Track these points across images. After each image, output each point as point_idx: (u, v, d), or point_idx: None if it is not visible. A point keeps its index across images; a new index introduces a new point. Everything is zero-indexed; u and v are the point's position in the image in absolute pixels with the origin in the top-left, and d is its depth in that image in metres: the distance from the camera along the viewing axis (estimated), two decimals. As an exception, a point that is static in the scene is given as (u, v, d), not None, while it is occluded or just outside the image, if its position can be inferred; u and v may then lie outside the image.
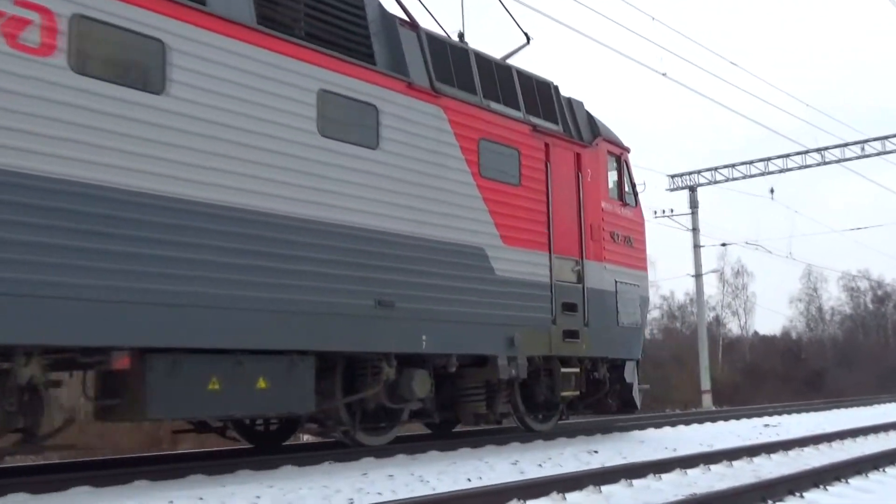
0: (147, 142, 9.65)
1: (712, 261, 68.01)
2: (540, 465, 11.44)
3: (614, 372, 16.77)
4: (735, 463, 11.34)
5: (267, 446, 13.88)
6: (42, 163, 8.74)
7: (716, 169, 44.00)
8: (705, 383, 42.72)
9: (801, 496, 8.81)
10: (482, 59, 14.59)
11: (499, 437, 15.26)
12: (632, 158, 17.67)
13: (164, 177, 9.77)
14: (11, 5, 8.66)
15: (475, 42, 14.94)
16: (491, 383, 14.21)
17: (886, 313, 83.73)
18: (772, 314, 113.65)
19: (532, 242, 14.70)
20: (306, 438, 16.24)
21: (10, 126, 8.53)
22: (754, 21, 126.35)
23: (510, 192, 14.40)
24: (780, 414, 26.17)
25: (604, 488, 8.88)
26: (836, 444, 14.37)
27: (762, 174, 42.54)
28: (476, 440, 14.68)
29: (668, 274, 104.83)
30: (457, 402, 14.30)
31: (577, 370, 15.58)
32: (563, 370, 15.24)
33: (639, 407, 17.63)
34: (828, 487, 9.43)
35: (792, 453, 12.80)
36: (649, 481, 9.65)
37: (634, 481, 9.50)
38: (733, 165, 43.35)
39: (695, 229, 44.54)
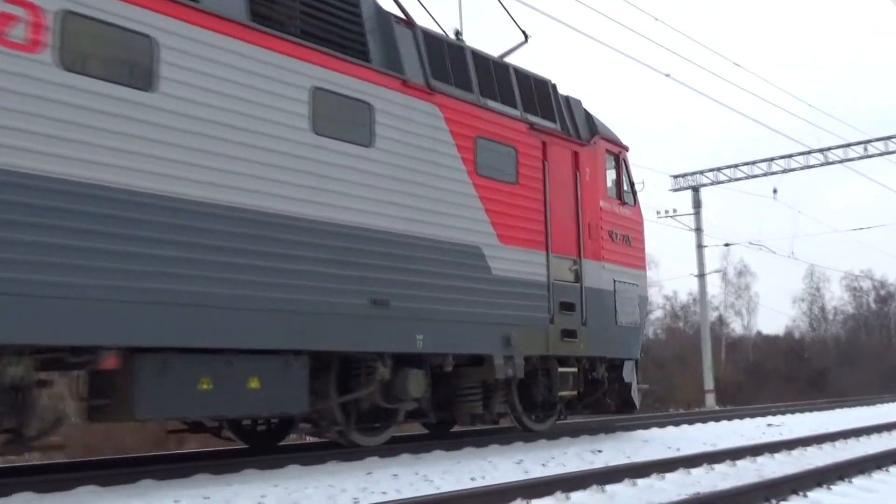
0: (136, 139, 9.47)
1: (715, 261, 68.11)
2: (544, 465, 11.35)
3: (613, 372, 16.56)
4: (738, 462, 11.23)
5: (262, 446, 13.69)
6: (27, 160, 8.55)
7: (719, 169, 43.94)
8: (708, 383, 42.75)
9: (805, 496, 8.72)
10: (479, 57, 14.39)
11: (502, 436, 15.10)
12: (636, 158, 17.54)
13: (153, 174, 9.58)
14: None
15: (474, 40, 14.79)
16: (487, 383, 14.00)
17: (889, 313, 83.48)
18: (775, 314, 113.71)
19: (529, 241, 14.48)
20: (309, 438, 15.99)
21: None
22: (756, 21, 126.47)
23: (507, 191, 14.19)
24: (783, 413, 26.05)
25: (607, 487, 8.82)
26: (839, 444, 14.25)
27: (765, 174, 42.46)
28: (480, 440, 14.52)
29: (671, 274, 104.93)
30: (453, 401, 14.09)
31: (575, 370, 15.37)
32: (561, 370, 15.02)
33: (637, 407, 17.43)
34: (831, 487, 9.36)
35: (795, 453, 12.69)
36: (653, 481, 9.59)
37: (638, 481, 9.44)
38: (736, 166, 43.28)
39: (698, 229, 44.53)
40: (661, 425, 19.84)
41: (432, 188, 12.87)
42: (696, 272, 44.98)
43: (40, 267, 8.53)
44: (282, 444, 14.15)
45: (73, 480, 9.57)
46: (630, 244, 17.17)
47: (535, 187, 14.72)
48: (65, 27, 8.99)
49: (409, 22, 13.35)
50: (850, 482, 9.80)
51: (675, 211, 44.29)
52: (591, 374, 16.05)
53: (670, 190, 45.11)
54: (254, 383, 10.48)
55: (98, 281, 8.96)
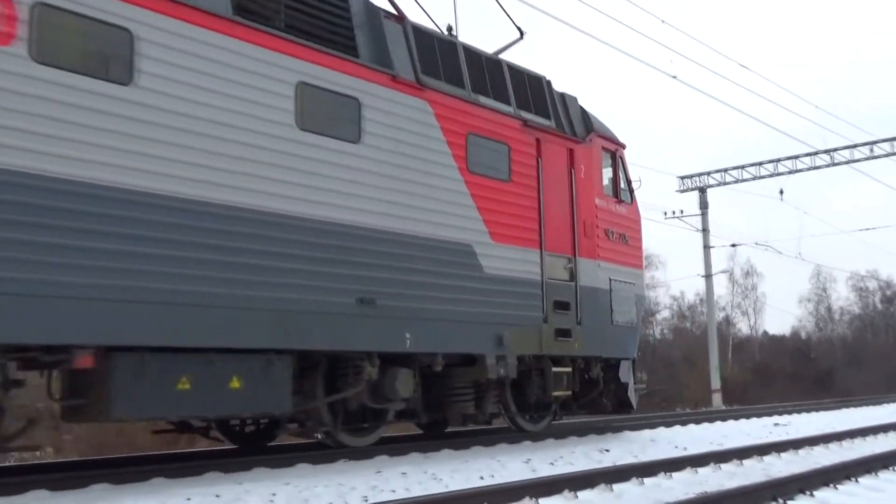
0: (112, 134, 9.12)
1: (722, 261, 67.68)
2: (552, 464, 11.26)
3: (609, 371, 16.10)
4: (745, 462, 11.18)
5: (251, 447, 13.30)
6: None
7: (725, 170, 43.65)
8: (715, 382, 42.43)
9: (812, 495, 8.68)
10: (471, 53, 13.99)
11: (511, 435, 14.83)
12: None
13: (130, 170, 9.23)
14: None
15: (471, 38, 14.41)
16: (479, 383, 13.61)
17: (895, 313, 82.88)
18: (781, 314, 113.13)
19: (522, 239, 14.07)
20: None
21: None
22: (756, 22, 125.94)
23: (499, 188, 13.77)
24: (789, 413, 25.88)
25: (615, 486, 8.81)
26: (846, 443, 14.13)
27: (771, 175, 42.13)
28: (488, 439, 14.29)
29: (678, 274, 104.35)
30: (444, 402, 13.68)
31: (570, 370, 14.93)
32: (555, 369, 14.57)
33: (634, 407, 16.94)
34: (838, 486, 9.30)
35: (802, 452, 12.59)
36: (660, 480, 9.54)
37: (646, 480, 9.38)
38: (743, 167, 42.96)
39: (705, 230, 44.26)
40: (668, 425, 19.67)
41: (422, 185, 12.48)
42: (702, 273, 44.76)
43: (9, 264, 8.18)
44: (271, 444, 13.77)
45: (87, 478, 9.53)
46: (627, 242, 16.73)
47: (528, 185, 14.32)
48: (38, 19, 8.66)
49: (399, 17, 12.98)
50: (856, 481, 9.71)
51: (681, 212, 44.07)
52: (587, 374, 15.63)
53: (677, 191, 44.88)
54: (235, 383, 10.12)
55: (71, 278, 8.61)
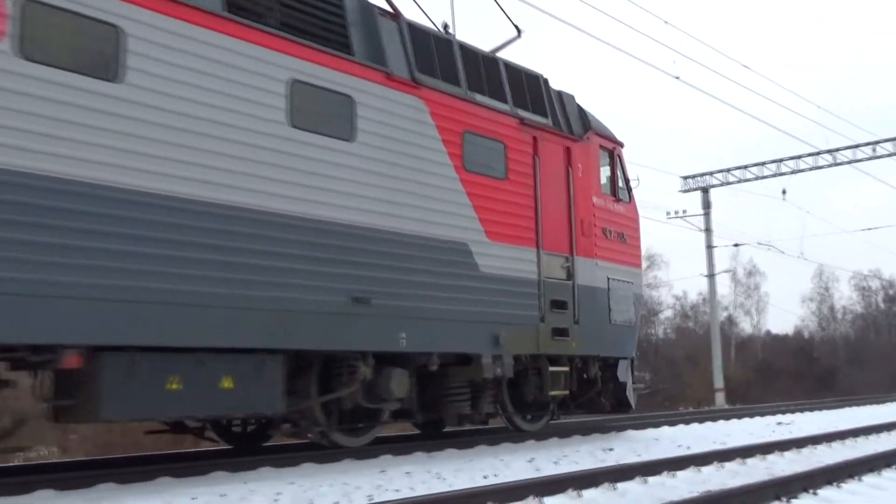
0: (100, 130, 8.94)
1: (725, 261, 67.69)
2: (556, 463, 11.23)
3: (607, 371, 15.88)
4: (748, 460, 11.13)
5: (246, 447, 13.12)
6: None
7: (728, 170, 43.56)
8: (718, 382, 42.40)
9: (815, 493, 8.65)
10: (467, 51, 13.79)
11: (515, 434, 14.72)
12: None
13: (118, 167, 9.06)
14: None
15: (471, 37, 14.23)
16: (475, 383, 13.40)
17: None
18: (784, 313, 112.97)
19: (519, 238, 13.85)
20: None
21: None
22: (759, 22, 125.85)
23: (496, 187, 13.56)
24: (792, 412, 25.83)
25: (619, 485, 8.79)
26: (848, 442, 14.07)
27: (774, 175, 42.01)
28: (492, 438, 14.20)
29: (681, 274, 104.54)
30: (440, 401, 13.47)
31: (567, 369, 14.70)
32: (552, 369, 14.36)
33: (633, 407, 16.71)
34: (841, 485, 9.25)
35: (805, 451, 12.52)
36: (664, 478, 9.53)
37: (649, 478, 9.35)
38: (745, 167, 42.86)
39: (707, 230, 44.18)
40: (672, 424, 19.59)
41: (417, 183, 12.28)
42: (705, 272, 44.60)
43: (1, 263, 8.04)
44: (267, 444, 13.60)
45: (93, 478, 9.54)
46: (625, 241, 16.51)
47: (525, 183, 14.11)
48: (25, 15, 8.50)
49: (394, 14, 12.79)
50: (860, 480, 9.66)
51: (684, 212, 43.98)
52: (585, 374, 15.43)
53: (680, 191, 44.80)
54: (226, 383, 9.94)
55: (56, 277, 8.44)
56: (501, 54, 14.98)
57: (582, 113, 16.07)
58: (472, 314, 12.81)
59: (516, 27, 15.74)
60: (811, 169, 41.18)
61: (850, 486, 9.27)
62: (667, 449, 13.09)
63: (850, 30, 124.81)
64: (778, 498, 8.16)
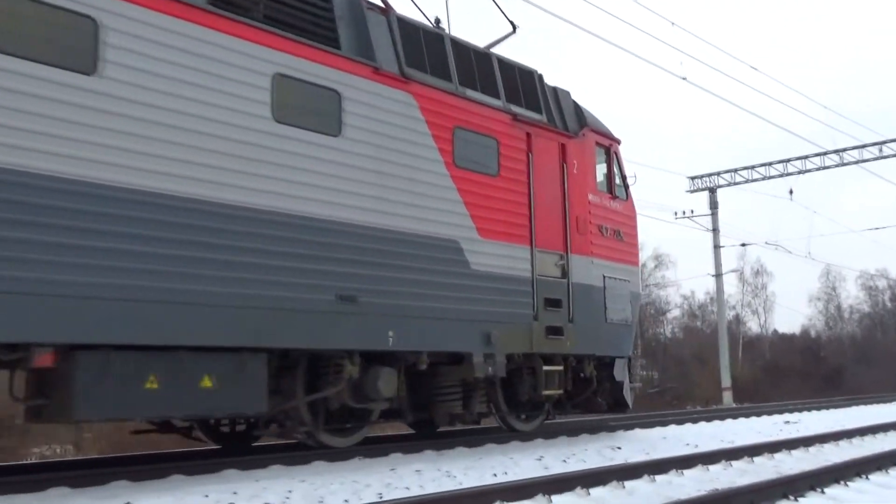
0: (74, 125, 8.66)
1: (732, 261, 67.56)
2: (564, 461, 11.18)
3: (603, 370, 15.53)
4: (756, 459, 11.12)
5: (235, 447, 12.83)
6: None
7: (735, 170, 43.31)
8: (726, 381, 42.14)
9: (822, 492, 8.60)
10: (459, 46, 13.46)
11: (524, 433, 14.51)
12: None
13: (94, 162, 8.78)
14: None
15: (470, 33, 13.96)
16: (467, 382, 13.08)
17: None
18: (791, 313, 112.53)
19: (512, 235, 13.52)
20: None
21: None
22: (761, 22, 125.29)
23: (488, 183, 13.23)
24: (799, 411, 25.80)
25: (627, 484, 8.78)
26: (856, 441, 14.02)
27: (781, 175, 41.78)
28: (501, 437, 14.03)
29: (688, 274, 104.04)
30: (431, 401, 13.16)
31: (561, 368, 14.34)
32: (546, 368, 13.99)
33: (630, 406, 16.37)
34: (848, 483, 9.21)
35: (812, 449, 12.50)
36: (671, 477, 9.50)
37: (657, 477, 9.31)
38: (753, 167, 42.62)
39: (715, 230, 43.96)
40: (680, 422, 19.48)
41: (405, 179, 11.97)
42: (713, 272, 44.41)
43: None
44: (256, 444, 13.34)
45: (107, 476, 9.45)
46: (621, 239, 16.14)
47: (518, 180, 13.78)
48: None
49: (384, 9, 12.50)
50: (867, 479, 9.61)
51: (692, 212, 43.79)
52: (581, 373, 15.09)
53: (687, 191, 44.53)
54: (206, 382, 9.62)
55: (27, 274, 8.16)
56: (497, 50, 14.69)
57: (578, 109, 15.73)
58: (462, 312, 12.50)
59: (511, 23, 15.44)
60: (818, 169, 40.94)
61: (858, 484, 9.21)
62: (674, 447, 12.99)
63: (848, 29, 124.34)
64: (786, 496, 8.11)
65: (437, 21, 13.79)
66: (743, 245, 50.87)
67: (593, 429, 16.73)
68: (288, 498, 8.16)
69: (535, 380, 13.97)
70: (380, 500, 7.94)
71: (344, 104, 11.31)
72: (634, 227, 16.79)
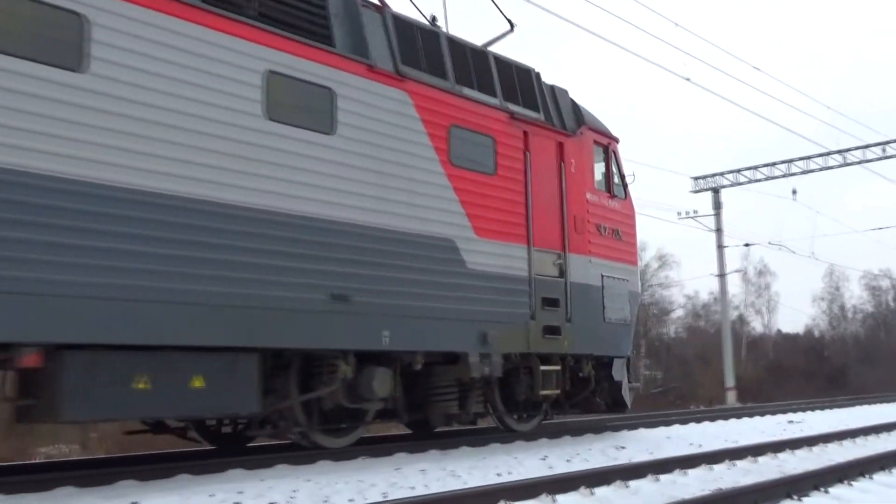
0: (60, 122, 8.49)
1: (736, 261, 67.02)
2: (568, 461, 11.18)
3: (602, 370, 15.32)
4: (760, 459, 11.13)
5: (230, 448, 12.66)
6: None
7: (739, 171, 43.15)
8: (729, 380, 42.08)
9: (826, 491, 8.60)
10: (455, 44, 13.28)
11: (528, 433, 14.42)
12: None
13: (81, 160, 8.60)
14: None
15: (470, 33, 13.80)
16: (463, 382, 12.89)
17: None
18: (794, 313, 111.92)
19: (508, 234, 13.33)
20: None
21: None
22: (763, 23, 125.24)
23: (484, 182, 13.04)
24: (803, 410, 25.76)
25: (631, 483, 8.79)
26: (859, 441, 13.99)
27: (784, 175, 41.59)
28: (506, 436, 13.98)
29: (692, 274, 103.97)
30: (427, 401, 12.99)
31: (559, 368, 14.15)
32: (543, 368, 13.80)
33: (629, 406, 16.16)
34: (852, 483, 9.21)
35: (816, 449, 12.50)
36: (675, 476, 9.51)
37: (661, 476, 9.32)
38: (756, 167, 42.44)
39: (718, 230, 43.85)
40: (683, 422, 19.45)
41: (400, 178, 11.79)
42: (716, 272, 44.22)
43: None
44: (252, 444, 13.20)
45: (113, 475, 9.44)
46: (620, 238, 15.92)
47: (515, 178, 13.58)
48: None
49: (379, 6, 12.33)
50: (870, 478, 9.59)
51: (695, 212, 43.64)
52: (579, 373, 14.90)
53: (691, 191, 44.41)
54: (197, 382, 9.45)
55: (13, 272, 8.00)
56: (495, 49, 14.51)
57: (575, 108, 15.53)
58: (458, 312, 12.32)
59: (509, 21, 15.21)
60: (821, 169, 40.78)
61: (862, 484, 9.19)
62: (678, 447, 12.94)
63: (851, 29, 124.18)
64: (790, 496, 8.09)
65: (434, 19, 13.61)
66: (746, 245, 51.06)
67: (597, 429, 16.62)
68: (293, 497, 8.16)
69: (533, 380, 13.78)
70: (385, 499, 7.91)
71: (337, 102, 11.13)
72: (633, 227, 16.58)
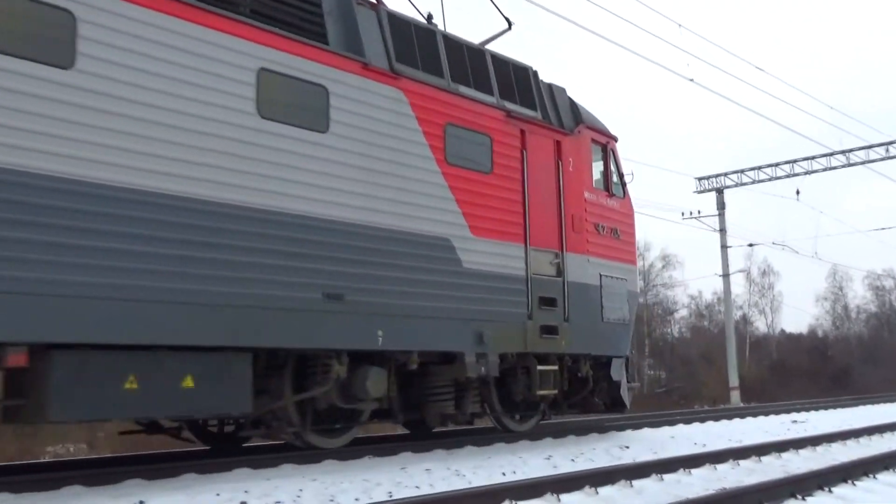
0: (48, 119, 8.33)
1: (739, 261, 67.26)
2: (573, 460, 11.16)
3: (600, 369, 15.13)
4: (764, 458, 11.07)
5: (225, 448, 12.51)
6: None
7: (742, 171, 42.94)
8: (733, 380, 41.89)
9: (830, 491, 8.54)
10: (451, 42, 13.10)
11: (532, 433, 14.38)
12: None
13: (71, 158, 8.45)
14: None
15: (470, 32, 13.66)
16: (459, 382, 12.70)
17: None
18: (798, 313, 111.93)
19: (505, 233, 13.14)
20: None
21: None
22: (765, 23, 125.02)
23: (480, 181, 12.86)
24: (807, 410, 25.71)
25: (635, 483, 8.76)
26: (863, 440, 13.88)
27: (788, 176, 41.36)
28: (510, 436, 13.92)
29: (696, 274, 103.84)
30: (422, 401, 12.80)
31: (556, 368, 13.95)
32: (541, 368, 13.60)
33: (628, 406, 15.96)
34: (856, 483, 9.14)
35: (820, 449, 12.45)
36: (680, 476, 9.48)
37: (665, 476, 9.29)
38: (760, 168, 42.23)
39: (722, 230, 43.72)
40: (687, 422, 19.39)
41: (395, 177, 11.62)
42: (720, 272, 44.04)
43: None
44: (247, 445, 13.04)
45: (120, 474, 9.43)
46: (618, 237, 15.72)
47: (511, 177, 13.40)
48: None
49: (374, 4, 12.16)
50: (874, 478, 9.53)
51: (699, 212, 43.50)
52: (578, 373, 14.71)
53: (694, 192, 44.22)
54: (188, 382, 9.29)
55: (7, 272, 7.87)
56: (493, 47, 14.36)
57: (573, 106, 15.34)
58: (454, 311, 12.14)
59: (507, 19, 15.08)
60: (825, 170, 40.56)
61: (866, 483, 9.12)
62: (683, 447, 12.86)
63: (853, 29, 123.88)
64: (793, 495, 8.04)
65: (430, 17, 13.44)
66: (750, 245, 51.11)
67: (602, 428, 16.53)
68: (299, 496, 8.11)
69: (530, 380, 13.60)
70: (390, 498, 7.86)
71: (331, 100, 10.97)
72: (632, 226, 16.40)
